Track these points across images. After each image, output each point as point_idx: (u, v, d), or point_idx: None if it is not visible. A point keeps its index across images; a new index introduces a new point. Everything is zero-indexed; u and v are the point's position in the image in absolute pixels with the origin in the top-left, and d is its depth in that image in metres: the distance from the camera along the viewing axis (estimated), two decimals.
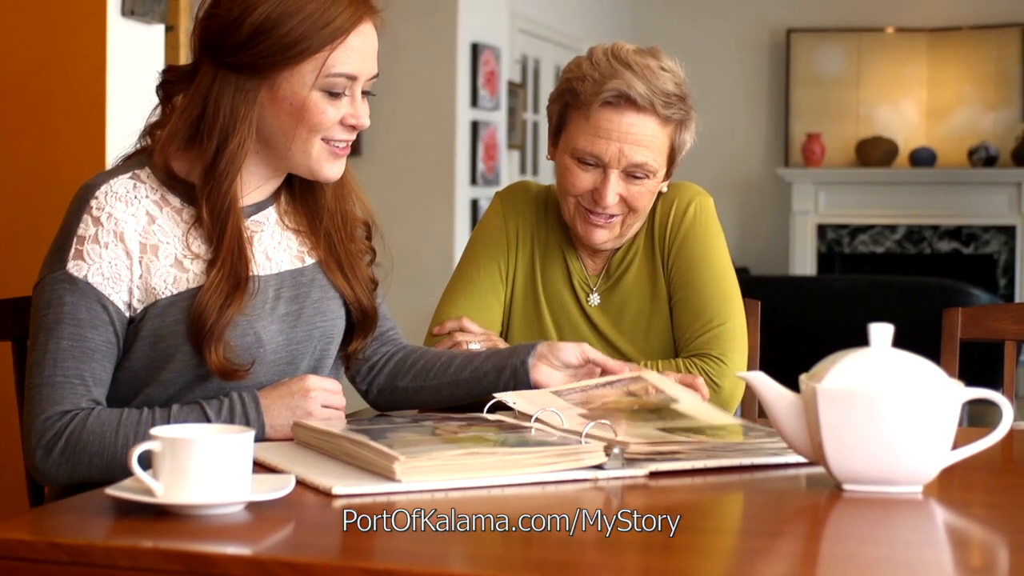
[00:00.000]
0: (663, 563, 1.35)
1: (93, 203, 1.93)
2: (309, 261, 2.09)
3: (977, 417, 5.24)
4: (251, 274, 1.97)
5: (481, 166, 6.76)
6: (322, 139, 1.98)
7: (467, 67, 6.65)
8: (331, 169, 2.01)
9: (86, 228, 1.91)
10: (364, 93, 2.01)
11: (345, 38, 1.94)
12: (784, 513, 1.59)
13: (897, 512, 1.52)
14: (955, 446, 1.61)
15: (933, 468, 1.59)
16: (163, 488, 1.43)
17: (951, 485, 1.66)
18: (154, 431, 1.47)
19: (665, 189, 2.37)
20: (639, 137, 2.25)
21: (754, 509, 1.63)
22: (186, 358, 1.92)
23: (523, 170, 7.75)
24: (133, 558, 1.31)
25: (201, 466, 1.43)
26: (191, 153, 1.98)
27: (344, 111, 1.97)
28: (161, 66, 3.33)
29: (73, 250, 1.90)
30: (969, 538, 1.50)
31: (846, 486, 1.60)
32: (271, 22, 1.92)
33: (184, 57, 4.18)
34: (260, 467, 1.66)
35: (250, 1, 1.93)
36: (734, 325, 2.29)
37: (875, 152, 8.99)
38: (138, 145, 2.06)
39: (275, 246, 2.06)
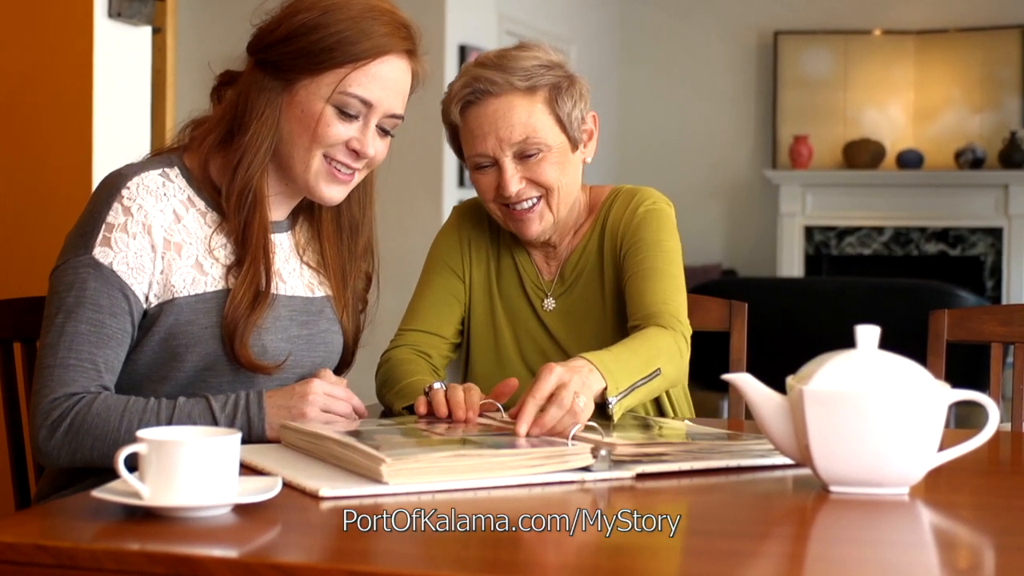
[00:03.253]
0: (648, 565, 1.35)
1: (125, 192, 1.94)
2: (319, 293, 2.11)
3: (964, 419, 5.25)
4: (272, 282, 2.01)
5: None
6: (324, 157, 1.99)
7: (455, 69, 6.64)
8: (328, 190, 2.02)
9: (115, 216, 1.92)
10: (383, 131, 2.02)
11: (370, 62, 1.97)
12: (771, 515, 1.59)
13: (883, 514, 1.52)
14: (941, 448, 1.61)
15: (919, 470, 1.60)
16: (150, 490, 1.43)
17: (937, 487, 1.66)
18: (140, 433, 1.46)
19: (589, 160, 2.35)
20: (508, 117, 2.23)
21: (741, 511, 1.63)
22: (194, 358, 1.95)
23: None
24: (119, 561, 1.30)
25: (188, 468, 1.43)
26: (224, 152, 2.01)
27: (351, 135, 1.98)
28: (148, 68, 3.33)
29: (101, 236, 1.91)
30: (956, 539, 1.50)
31: (833, 488, 1.60)
32: (306, 28, 1.96)
33: (171, 59, 4.17)
34: (247, 469, 1.66)
35: (298, 6, 1.98)
36: (683, 310, 2.26)
37: (862, 154, 9.01)
38: (174, 143, 2.08)
39: (289, 271, 2.08)
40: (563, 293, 2.36)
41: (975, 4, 8.94)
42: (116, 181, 1.96)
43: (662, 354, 2.10)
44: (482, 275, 2.40)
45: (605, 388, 1.95)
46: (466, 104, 2.25)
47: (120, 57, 3.19)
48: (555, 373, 1.86)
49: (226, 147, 2.01)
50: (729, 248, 9.34)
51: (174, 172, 2.00)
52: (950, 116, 8.98)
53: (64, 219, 3.04)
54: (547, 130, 2.25)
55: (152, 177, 1.97)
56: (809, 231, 9.26)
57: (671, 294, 2.24)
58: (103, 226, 1.92)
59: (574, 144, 2.30)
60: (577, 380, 1.88)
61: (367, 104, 1.98)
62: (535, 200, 2.27)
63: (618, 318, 2.32)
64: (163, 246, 1.94)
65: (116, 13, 3.13)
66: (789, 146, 9.15)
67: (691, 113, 9.23)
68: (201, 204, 1.99)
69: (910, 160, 8.92)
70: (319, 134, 1.97)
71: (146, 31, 3.30)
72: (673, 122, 9.20)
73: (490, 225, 2.43)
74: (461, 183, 6.68)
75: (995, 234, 8.93)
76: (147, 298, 1.93)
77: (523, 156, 2.24)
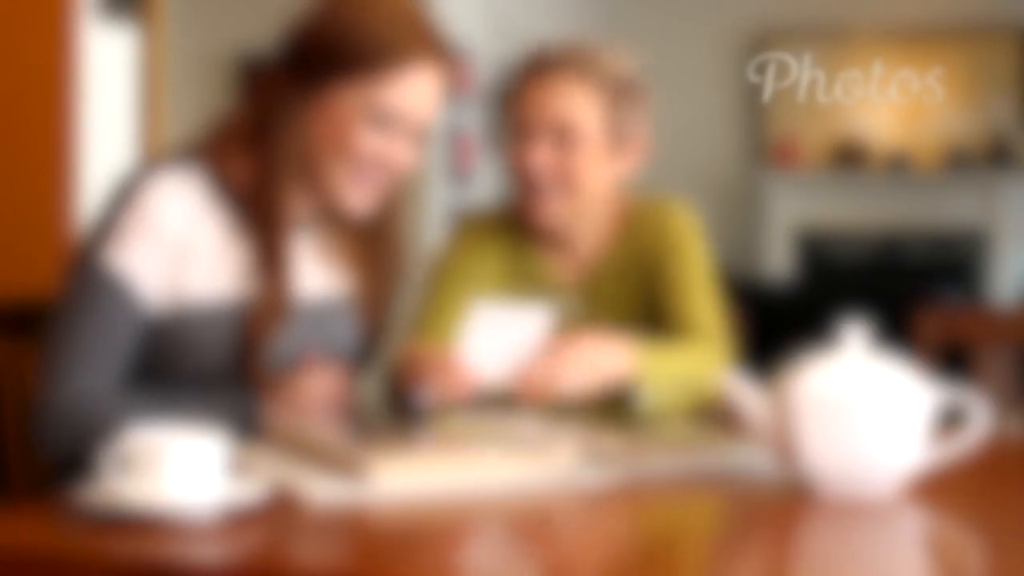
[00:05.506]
0: (633, 567, 1.35)
1: (141, 195, 1.91)
2: (341, 292, 2.07)
3: (951, 420, 5.25)
4: (292, 295, 1.96)
5: (457, 167, 6.76)
6: (351, 167, 1.95)
7: None
8: (356, 202, 1.97)
9: (129, 220, 1.89)
10: (413, 139, 1.98)
11: (403, 71, 1.92)
12: (755, 517, 1.58)
13: (869, 516, 1.52)
14: (928, 450, 1.61)
15: (905, 471, 1.60)
16: (132, 493, 1.42)
17: (923, 488, 1.66)
18: (124, 435, 1.45)
19: (611, 171, 2.33)
20: (559, 98, 2.24)
21: (725, 512, 1.63)
22: (198, 364, 1.92)
23: (498, 170, 7.74)
24: (101, 564, 1.30)
25: (171, 470, 1.42)
26: (248, 157, 1.96)
27: (383, 145, 1.94)
28: (135, 66, 3.32)
29: (113, 240, 1.89)
30: (942, 541, 1.50)
31: (818, 490, 1.60)
32: (337, 36, 1.92)
33: (162, 57, 4.17)
34: (232, 471, 1.65)
35: (328, 12, 1.94)
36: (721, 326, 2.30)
37: (849, 155, 9.02)
38: (196, 144, 2.02)
39: (310, 272, 2.03)
40: (584, 300, 2.33)
41: (964, 6, 8.95)
42: (135, 183, 1.93)
43: (707, 374, 2.14)
44: (494, 287, 2.34)
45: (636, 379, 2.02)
46: (526, 72, 2.30)
47: (108, 55, 3.18)
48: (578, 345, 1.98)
49: (250, 152, 1.96)
50: (715, 249, 9.33)
51: (194, 175, 1.95)
52: (938, 117, 8.99)
53: (44, 218, 3.03)
54: (590, 126, 2.29)
55: (173, 179, 1.93)
56: (795, 231, 9.27)
57: (712, 309, 2.30)
58: (116, 229, 1.89)
59: (610, 152, 2.33)
60: (588, 358, 1.98)
61: (400, 114, 1.93)
62: (552, 185, 2.28)
63: (638, 324, 2.29)
64: (177, 253, 1.90)
65: (104, 13, 3.12)
66: (777, 147, 9.16)
67: (677, 112, 9.23)
68: (220, 210, 1.95)
69: (897, 161, 8.94)
70: (350, 146, 1.92)
71: (134, 31, 3.30)
72: (659, 121, 9.18)
73: (492, 240, 2.37)
74: (450, 183, 6.67)
75: (982, 235, 8.95)
76: (157, 305, 1.90)
77: (558, 141, 2.28)
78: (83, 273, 1.90)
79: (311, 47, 1.94)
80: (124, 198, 1.92)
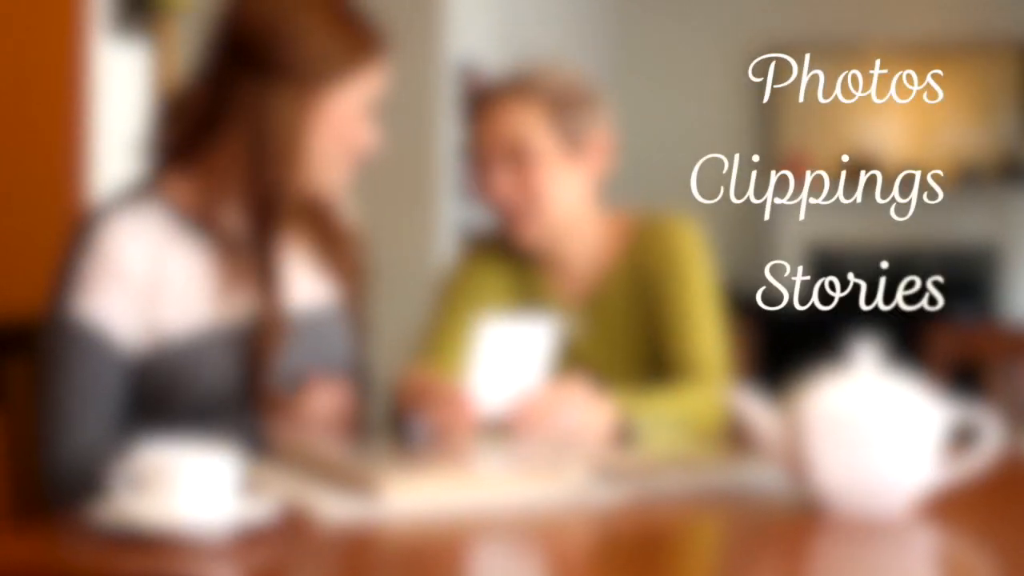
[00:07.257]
0: None
1: (100, 240, 1.87)
2: (327, 303, 2.04)
3: (964, 438, 5.24)
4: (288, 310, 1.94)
5: (466, 185, 6.77)
6: (349, 162, 1.96)
7: (453, 84, 6.65)
8: (339, 186, 1.99)
9: (93, 266, 1.86)
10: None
11: (377, 60, 1.94)
12: (767, 535, 1.58)
13: (881, 536, 1.52)
14: (940, 468, 1.60)
15: (917, 490, 1.59)
16: (144, 510, 1.41)
17: (935, 506, 1.65)
18: (136, 454, 1.45)
19: (575, 178, 2.33)
20: (504, 122, 2.27)
21: (735, 531, 1.62)
22: (193, 397, 1.89)
23: None
24: None
25: (183, 488, 1.42)
26: (194, 180, 1.94)
27: (369, 132, 1.97)
28: (148, 84, 3.33)
29: (80, 289, 1.86)
30: (954, 559, 1.50)
31: (829, 509, 1.60)
32: (300, 35, 1.89)
33: (176, 74, 4.18)
34: (243, 489, 1.65)
35: (274, 24, 1.89)
36: (721, 356, 2.28)
37: (859, 169, 9.01)
38: (150, 169, 2.00)
39: (293, 284, 1.99)
40: (590, 321, 2.33)
41: (976, 19, 8.96)
42: (89, 226, 1.89)
43: (703, 416, 2.14)
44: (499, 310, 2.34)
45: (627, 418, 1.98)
46: (476, 105, 2.34)
47: (120, 71, 3.19)
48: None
49: (195, 175, 1.94)
50: (724, 265, 9.31)
51: (146, 208, 1.92)
52: (948, 132, 8.99)
53: (54, 234, 3.03)
54: (542, 142, 2.30)
55: (127, 215, 1.90)
56: (805, 247, 9.25)
57: (711, 339, 2.27)
58: (79, 279, 1.86)
59: (570, 159, 2.33)
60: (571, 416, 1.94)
61: (374, 101, 1.96)
62: (518, 204, 2.29)
63: (643, 341, 2.29)
64: (146, 290, 1.87)
65: (115, 27, 3.13)
66: (786, 161, 9.15)
67: (687, 126, 9.24)
68: (180, 236, 1.92)
69: (907, 176, 8.93)
70: (358, 143, 1.94)
71: (145, 45, 3.31)
72: (668, 135, 9.20)
73: (498, 263, 2.38)
74: (460, 197, 6.68)
75: (993, 252, 8.94)
76: (136, 346, 1.88)
77: (512, 163, 2.30)
78: (55, 328, 1.88)
79: (267, 49, 1.89)
80: (82, 246, 1.88)
